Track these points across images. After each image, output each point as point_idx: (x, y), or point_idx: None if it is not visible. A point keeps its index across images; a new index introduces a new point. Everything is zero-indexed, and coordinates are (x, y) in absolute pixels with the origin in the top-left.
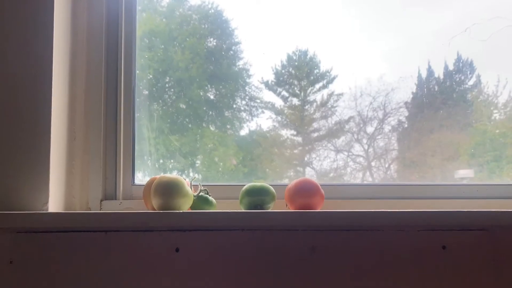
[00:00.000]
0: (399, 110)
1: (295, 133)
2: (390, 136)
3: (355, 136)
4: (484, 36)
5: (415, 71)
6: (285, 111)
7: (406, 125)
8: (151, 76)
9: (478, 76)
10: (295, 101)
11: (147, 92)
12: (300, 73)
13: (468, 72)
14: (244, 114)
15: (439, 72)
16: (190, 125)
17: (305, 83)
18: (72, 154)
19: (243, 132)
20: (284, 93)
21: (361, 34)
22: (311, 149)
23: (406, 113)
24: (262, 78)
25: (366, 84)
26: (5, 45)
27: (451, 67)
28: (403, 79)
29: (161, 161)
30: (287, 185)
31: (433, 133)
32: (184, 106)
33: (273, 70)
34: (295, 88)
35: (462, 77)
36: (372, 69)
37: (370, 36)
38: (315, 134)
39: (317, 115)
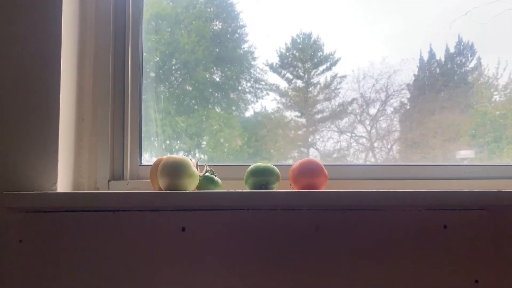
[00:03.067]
0: (401, 92)
1: (299, 114)
2: (393, 118)
3: (358, 118)
4: (484, 20)
5: (417, 54)
6: (289, 93)
7: (408, 107)
8: (157, 58)
9: (479, 59)
10: (299, 83)
11: (154, 74)
12: (304, 56)
13: (469, 54)
14: (249, 96)
15: (440, 55)
16: (196, 107)
17: (309, 65)
18: (80, 135)
19: (248, 113)
20: (289, 75)
21: (364, 17)
22: (315, 130)
23: (408, 95)
24: (266, 60)
25: (369, 66)
26: (14, 29)
27: (452, 50)
28: (405, 61)
29: (167, 142)
30: (291, 165)
31: (435, 115)
32: (190, 88)
33: (277, 53)
34: (299, 71)
35: (463, 60)
36: (374, 52)
37: (373, 19)
38: (319, 116)
39: (321, 96)
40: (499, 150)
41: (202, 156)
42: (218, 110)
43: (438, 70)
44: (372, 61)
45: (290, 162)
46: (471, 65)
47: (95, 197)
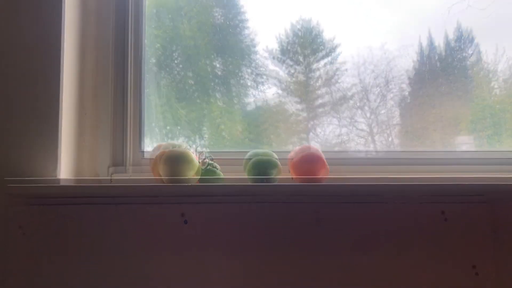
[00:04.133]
0: (400, 78)
1: (299, 100)
2: (392, 104)
3: (358, 104)
4: (483, 5)
5: (416, 40)
6: (289, 79)
7: (407, 93)
8: (158, 45)
9: (477, 45)
10: (299, 69)
11: (154, 60)
12: (303, 42)
13: (468, 41)
14: (249, 83)
15: (439, 41)
16: (196, 94)
17: (308, 52)
18: (82, 124)
19: (249, 100)
20: (288, 61)
21: (363, 3)
22: (315, 117)
23: (407, 81)
24: (266, 47)
25: (368, 52)
26: (15, 19)
27: (451, 36)
28: (405, 47)
29: (168, 127)
30: (290, 151)
31: (434, 101)
32: (191, 75)
33: (277, 39)
34: (299, 57)
35: (462, 46)
36: (374, 38)
37: (372, 4)
38: (319, 102)
39: (320, 83)
40: (498, 136)
41: (204, 149)
42: (218, 96)
43: (437, 56)
44: (372, 48)
45: (289, 148)
46: (470, 51)
47: (96, 187)
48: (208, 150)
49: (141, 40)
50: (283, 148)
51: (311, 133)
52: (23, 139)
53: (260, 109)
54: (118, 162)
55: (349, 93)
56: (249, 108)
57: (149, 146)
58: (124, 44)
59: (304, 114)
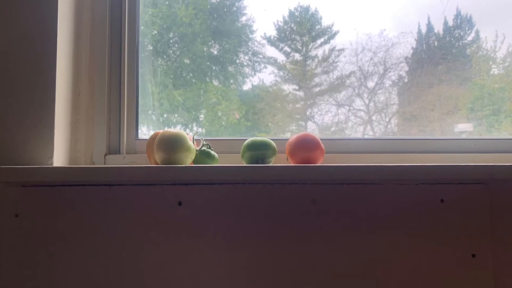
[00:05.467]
0: (399, 65)
1: (297, 87)
2: (391, 91)
3: (356, 91)
4: None
5: (415, 27)
6: (287, 66)
7: (406, 80)
8: (155, 32)
9: (477, 32)
10: (297, 56)
11: (151, 48)
12: (302, 29)
13: (467, 27)
14: (247, 69)
15: (438, 28)
16: (193, 80)
17: (306, 38)
18: (77, 109)
19: (246, 86)
20: (286, 48)
21: None
22: (313, 104)
23: (406, 68)
24: (264, 33)
25: (367, 39)
26: (11, 2)
27: (450, 23)
28: (403, 34)
29: (165, 115)
30: (288, 139)
31: (433, 88)
32: (188, 61)
33: (275, 26)
34: (297, 44)
35: (461, 33)
36: (372, 25)
37: None
38: (317, 89)
39: (319, 70)
40: (498, 124)
41: (199, 129)
42: (216, 83)
43: (436, 43)
44: (370, 34)
45: (287, 135)
46: (469, 38)
47: (91, 171)
48: (205, 138)
49: (136, 22)
50: (281, 136)
51: (309, 122)
52: (17, 126)
53: (258, 96)
54: (114, 150)
55: (348, 81)
56: (247, 94)
57: (146, 135)
58: (120, 32)
59: (302, 102)
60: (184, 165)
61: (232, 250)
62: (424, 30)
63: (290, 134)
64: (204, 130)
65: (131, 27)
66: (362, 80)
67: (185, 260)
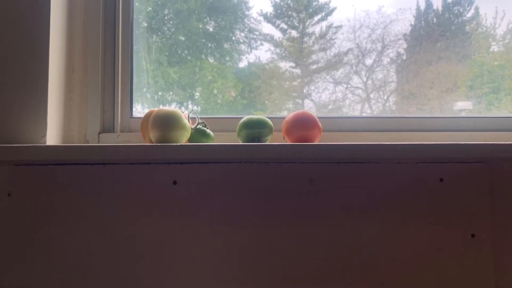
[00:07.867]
0: (397, 42)
1: (294, 65)
2: (389, 68)
3: (354, 68)
4: None
5: (414, 3)
6: (284, 43)
7: (404, 57)
8: (150, 8)
9: (477, 8)
10: (294, 33)
11: (146, 24)
12: (298, 5)
13: (466, 4)
14: (243, 46)
15: (437, 4)
16: (189, 57)
17: (303, 15)
18: (70, 87)
19: (242, 64)
20: (283, 25)
21: None
22: (310, 81)
23: (405, 45)
24: (261, 10)
25: (365, 16)
26: None
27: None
28: (402, 11)
29: (160, 93)
30: (285, 117)
31: (432, 65)
32: (183, 38)
33: (271, 2)
34: (294, 21)
35: (461, 9)
36: (370, 1)
37: None
38: (314, 66)
39: (316, 47)
40: (498, 101)
41: (195, 107)
42: (211, 60)
43: (435, 20)
44: (368, 11)
45: (284, 113)
46: (469, 14)
47: (85, 150)
48: (201, 116)
49: (131, 3)
50: (278, 114)
51: (306, 99)
52: (9, 104)
53: (255, 73)
54: (108, 128)
55: (345, 58)
56: (243, 72)
57: (141, 113)
58: (114, 9)
59: (299, 80)
60: (179, 144)
61: (228, 229)
62: (422, 6)
63: (287, 112)
64: (199, 108)
65: (125, 3)
66: (360, 57)
67: (181, 239)
